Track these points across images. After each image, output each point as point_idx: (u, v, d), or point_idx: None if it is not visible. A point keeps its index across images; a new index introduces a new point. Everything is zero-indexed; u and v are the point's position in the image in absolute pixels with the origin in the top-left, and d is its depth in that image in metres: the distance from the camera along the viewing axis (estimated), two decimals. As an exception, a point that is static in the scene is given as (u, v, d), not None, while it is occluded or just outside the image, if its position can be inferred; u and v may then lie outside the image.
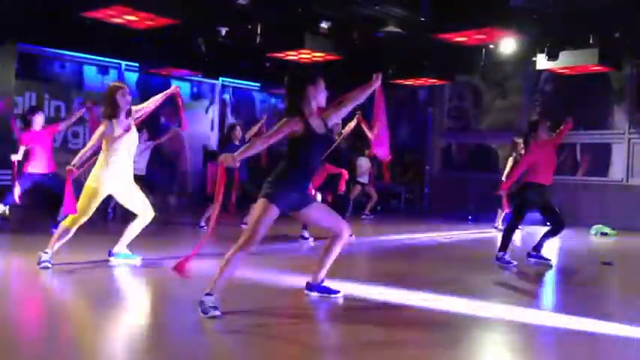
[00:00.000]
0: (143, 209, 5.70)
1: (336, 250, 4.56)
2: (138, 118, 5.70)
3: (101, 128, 5.43)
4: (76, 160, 5.34)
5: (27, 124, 7.58)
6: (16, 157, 7.51)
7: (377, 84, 4.60)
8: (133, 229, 5.75)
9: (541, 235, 6.89)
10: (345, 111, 4.53)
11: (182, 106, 6.18)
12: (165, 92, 5.95)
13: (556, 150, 6.85)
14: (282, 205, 4.16)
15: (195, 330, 3.82)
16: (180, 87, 6.16)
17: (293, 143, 4.20)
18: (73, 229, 5.43)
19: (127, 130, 5.52)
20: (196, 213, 9.22)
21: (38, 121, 7.57)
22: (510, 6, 8.44)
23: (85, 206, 5.37)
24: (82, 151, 5.42)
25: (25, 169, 7.51)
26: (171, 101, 6.15)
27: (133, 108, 5.64)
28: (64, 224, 5.43)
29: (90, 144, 5.42)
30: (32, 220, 8.95)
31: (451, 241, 9.11)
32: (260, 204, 4.14)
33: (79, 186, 5.47)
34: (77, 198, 5.41)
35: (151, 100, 5.88)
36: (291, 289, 5.15)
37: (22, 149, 7.52)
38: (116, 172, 5.48)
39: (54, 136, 7.93)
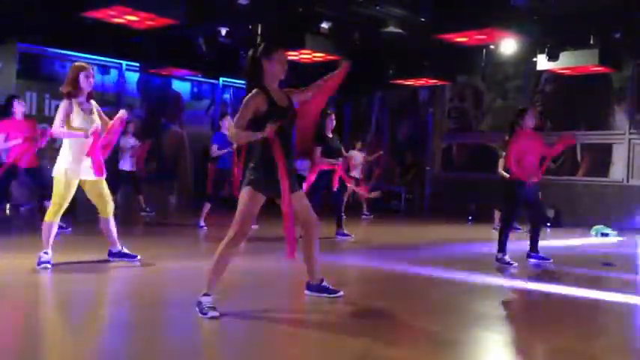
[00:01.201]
0: (103, 205, 5.57)
1: (313, 241, 4.42)
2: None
3: (62, 105, 5.32)
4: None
5: (7, 113, 7.36)
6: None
7: (344, 70, 4.47)
8: (108, 229, 5.67)
9: (529, 235, 6.93)
10: (307, 94, 4.40)
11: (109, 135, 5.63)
12: (115, 118, 5.55)
13: (542, 149, 6.73)
14: (265, 191, 4.07)
15: (194, 331, 3.82)
16: (126, 115, 5.65)
17: (260, 122, 4.02)
18: (56, 222, 5.41)
19: (89, 112, 5.41)
20: (196, 213, 9.21)
21: (18, 109, 7.38)
22: (511, 6, 8.44)
23: (60, 196, 5.31)
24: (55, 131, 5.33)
25: (5, 160, 7.32)
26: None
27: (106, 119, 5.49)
28: (46, 219, 5.40)
29: (56, 124, 5.30)
30: (32, 220, 8.95)
31: (451, 241, 9.10)
32: (244, 193, 4.06)
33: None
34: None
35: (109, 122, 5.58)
36: (290, 288, 5.15)
37: (0, 137, 7.24)
38: (80, 158, 5.34)
39: (36, 129, 7.50)
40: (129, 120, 10.32)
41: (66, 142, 5.41)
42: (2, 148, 7.34)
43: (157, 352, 3.43)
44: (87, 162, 5.40)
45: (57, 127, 5.34)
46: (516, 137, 6.57)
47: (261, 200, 4.10)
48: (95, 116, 5.48)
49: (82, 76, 5.38)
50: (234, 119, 4.15)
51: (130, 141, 10.34)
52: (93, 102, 5.54)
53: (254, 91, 4.10)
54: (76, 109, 5.35)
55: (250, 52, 4.20)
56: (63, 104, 5.35)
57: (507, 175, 7.34)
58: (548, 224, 11.38)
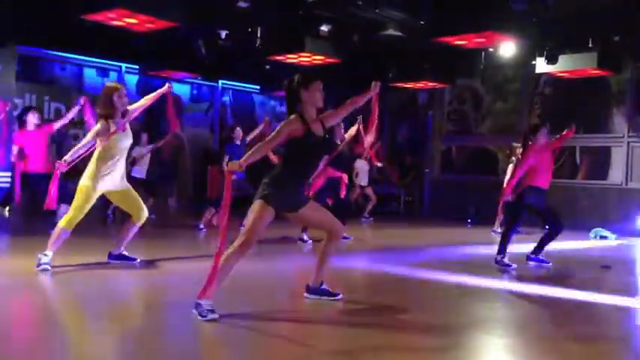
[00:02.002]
0: (137, 210, 5.69)
1: (332, 252, 4.59)
2: (133, 116, 5.70)
3: (96, 127, 5.43)
4: (68, 155, 5.34)
5: (21, 124, 7.53)
6: (13, 158, 7.49)
7: (375, 91, 4.67)
8: (129, 231, 5.75)
9: (540, 238, 6.91)
10: (341, 115, 4.60)
11: (172, 105, 6.16)
12: (158, 91, 5.96)
13: (553, 154, 6.86)
14: (278, 206, 4.19)
15: (193, 333, 3.82)
16: (172, 86, 6.09)
17: (291, 145, 4.24)
18: (70, 230, 5.43)
19: (123, 130, 5.53)
20: (196, 215, 9.22)
21: (31, 120, 7.51)
22: (510, 9, 8.45)
23: (80, 205, 5.37)
24: (76, 148, 5.41)
25: (20, 169, 7.45)
26: (165, 101, 6.14)
27: (129, 108, 5.64)
28: (60, 225, 5.43)
29: (84, 141, 5.41)
30: (32, 222, 8.95)
31: (450, 244, 9.11)
32: (256, 205, 4.16)
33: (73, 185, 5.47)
34: (71, 197, 5.42)
35: (144, 98, 5.90)
36: (290, 291, 5.16)
37: (15, 149, 7.48)
38: (109, 171, 5.46)
39: (49, 135, 7.76)
40: (141, 130, 10.51)
41: (95, 154, 5.49)
42: (16, 160, 7.48)
43: (157, 354, 3.43)
44: (116, 174, 5.50)
45: (83, 141, 5.40)
46: (529, 154, 6.64)
47: (272, 215, 4.19)
48: (129, 132, 5.61)
49: (115, 97, 5.48)
50: (267, 136, 4.30)
51: (144, 150, 10.47)
52: (125, 120, 5.61)
53: (292, 116, 4.27)
54: (112, 129, 5.44)
55: (287, 82, 4.37)
56: (100, 127, 5.42)
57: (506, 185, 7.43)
58: (547, 227, 11.38)
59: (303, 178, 4.42)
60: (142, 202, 5.77)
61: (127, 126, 5.62)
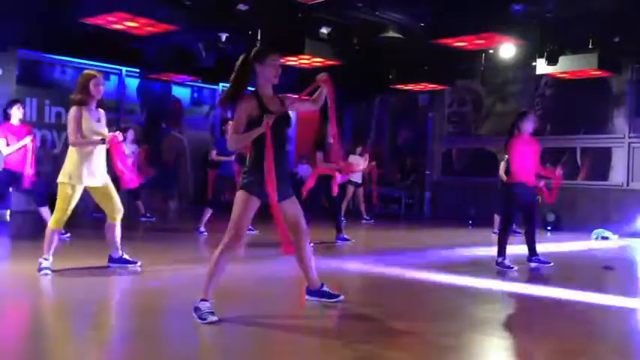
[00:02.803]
0: (112, 210, 5.59)
1: (307, 253, 4.41)
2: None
3: (71, 112, 5.33)
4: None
5: (6, 117, 7.37)
6: None
7: (324, 80, 4.41)
8: (112, 233, 5.65)
9: (525, 239, 6.94)
10: (309, 105, 4.44)
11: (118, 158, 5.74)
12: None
13: (538, 155, 6.83)
14: (259, 194, 4.04)
15: (193, 337, 3.81)
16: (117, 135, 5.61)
17: (252, 126, 4.01)
18: (60, 229, 5.41)
19: (97, 120, 5.45)
20: (196, 218, 9.21)
21: (16, 114, 7.35)
22: (510, 11, 8.45)
23: (63, 203, 5.31)
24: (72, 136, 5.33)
25: (4, 165, 7.32)
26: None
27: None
28: (49, 226, 5.40)
29: (70, 128, 5.31)
30: (32, 225, 8.95)
31: (451, 246, 9.10)
32: (239, 197, 4.05)
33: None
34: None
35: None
36: (290, 294, 5.14)
37: (1, 142, 7.23)
38: (87, 165, 5.36)
39: (31, 134, 7.43)
40: (128, 127, 10.37)
41: (71, 149, 5.41)
42: (4, 153, 7.33)
43: (157, 358, 3.42)
44: (94, 168, 5.41)
45: (74, 138, 5.32)
46: (513, 143, 6.64)
47: (256, 204, 4.08)
48: (103, 124, 5.51)
49: (92, 84, 5.40)
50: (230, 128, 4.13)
51: (131, 147, 10.35)
52: (101, 110, 5.56)
53: (245, 95, 4.06)
54: (85, 115, 5.36)
55: (242, 56, 4.14)
56: (73, 112, 5.35)
57: (505, 178, 7.43)
58: (549, 228, 11.38)
59: (278, 160, 4.05)
60: (119, 202, 5.64)
61: (102, 117, 5.52)
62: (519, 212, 6.84)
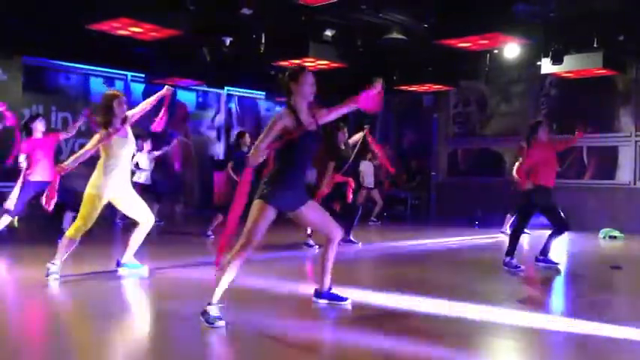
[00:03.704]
0: (143, 216, 5.70)
1: (332, 254, 4.51)
2: (134, 120, 5.71)
3: (97, 136, 5.44)
4: (69, 160, 5.36)
5: (28, 132, 7.53)
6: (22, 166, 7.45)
7: (378, 89, 4.52)
8: (136, 238, 5.75)
9: (546, 238, 6.89)
10: (336, 113, 4.50)
11: (167, 108, 6.12)
12: (158, 94, 5.93)
13: (557, 153, 6.86)
14: (278, 205, 4.12)
15: (200, 341, 3.81)
16: (172, 89, 6.05)
17: (284, 139, 4.13)
18: (78, 239, 5.45)
19: (124, 136, 5.55)
20: (203, 222, 9.23)
21: (38, 128, 7.50)
22: (514, 11, 8.44)
23: (87, 214, 5.38)
24: (78, 154, 5.42)
25: (26, 177, 7.46)
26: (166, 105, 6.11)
27: (128, 113, 5.66)
28: (68, 234, 5.45)
29: (86, 148, 5.43)
30: (40, 231, 8.98)
31: (458, 246, 9.09)
32: (256, 206, 4.10)
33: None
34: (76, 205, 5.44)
35: (144, 102, 5.90)
36: (298, 297, 5.14)
37: (22, 157, 7.47)
38: (114, 178, 5.47)
39: (56, 144, 7.76)
40: (146, 137, 10.50)
41: (98, 163, 5.51)
42: (20, 167, 7.48)
43: (167, 362, 3.43)
44: (119, 179, 5.51)
45: (85, 147, 5.43)
46: (532, 150, 6.66)
47: (272, 214, 4.12)
48: (130, 138, 5.62)
49: (115, 104, 5.51)
50: (259, 137, 4.20)
51: (149, 157, 10.55)
52: (127, 126, 5.62)
53: (282, 110, 4.24)
54: (114, 137, 5.45)
55: (280, 76, 4.35)
56: (99, 134, 5.43)
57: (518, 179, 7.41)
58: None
59: (301, 174, 4.29)
60: (147, 207, 5.77)
61: (129, 132, 5.63)
62: (534, 215, 6.81)
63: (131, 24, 7.96)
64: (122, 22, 7.91)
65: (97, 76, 12.49)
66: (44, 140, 7.53)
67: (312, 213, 4.38)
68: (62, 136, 7.96)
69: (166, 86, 6.01)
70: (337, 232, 4.49)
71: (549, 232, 6.90)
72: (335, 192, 7.94)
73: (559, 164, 7.07)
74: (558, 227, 6.78)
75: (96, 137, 5.47)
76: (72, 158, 5.41)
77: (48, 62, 11.68)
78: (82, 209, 5.41)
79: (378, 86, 4.52)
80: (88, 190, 5.43)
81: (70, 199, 6.98)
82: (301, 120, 4.20)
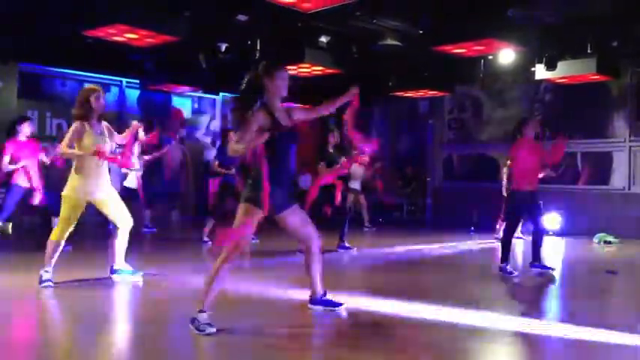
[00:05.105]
0: (123, 221, 5.63)
1: (316, 264, 4.45)
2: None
3: (73, 127, 5.38)
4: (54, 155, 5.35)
5: (14, 133, 7.42)
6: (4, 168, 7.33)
7: (353, 95, 4.49)
8: (120, 243, 5.68)
9: (531, 245, 6.92)
10: (312, 114, 4.46)
11: (132, 141, 6.02)
12: (128, 130, 5.88)
13: (540, 158, 6.81)
14: (262, 207, 4.03)
15: (191, 348, 3.79)
16: (141, 125, 6.02)
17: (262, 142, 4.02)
18: (62, 241, 5.41)
19: (100, 134, 5.49)
20: (199, 228, 9.21)
21: (25, 130, 7.42)
22: (508, 17, 8.48)
23: (67, 216, 5.35)
24: (70, 151, 5.36)
25: (12, 181, 7.37)
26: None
27: (118, 137, 5.63)
28: (51, 238, 5.41)
29: (64, 142, 5.35)
30: (33, 237, 8.94)
31: (454, 252, 9.09)
32: (241, 209, 4.05)
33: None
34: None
35: (117, 136, 5.76)
36: (292, 303, 5.13)
37: (5, 159, 7.32)
38: (91, 178, 5.40)
39: (40, 149, 7.63)
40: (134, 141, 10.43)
41: (76, 162, 5.44)
42: (5, 170, 7.38)
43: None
44: (98, 181, 5.44)
45: (64, 147, 5.35)
46: (517, 146, 6.67)
47: (258, 217, 4.07)
48: (106, 137, 5.55)
49: (92, 98, 5.45)
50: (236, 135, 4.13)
51: (138, 161, 10.48)
52: (104, 123, 5.59)
53: (256, 106, 4.10)
54: (88, 130, 5.40)
55: (251, 71, 4.20)
56: (74, 126, 5.39)
57: (507, 185, 7.44)
58: (550, 233, 11.35)
59: (283, 173, 4.13)
60: (126, 210, 5.68)
61: (105, 130, 5.56)
62: (526, 218, 6.84)
63: (127, 30, 7.96)
64: (118, 29, 7.92)
65: (92, 82, 12.46)
66: (28, 143, 7.46)
67: (295, 218, 4.28)
68: (41, 152, 7.71)
69: (134, 122, 5.98)
70: (317, 244, 4.39)
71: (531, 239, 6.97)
72: (323, 196, 7.90)
73: (554, 170, 7.09)
74: (535, 231, 6.82)
75: (70, 129, 5.38)
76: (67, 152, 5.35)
77: (43, 69, 11.67)
78: (62, 212, 5.37)
79: (354, 92, 4.47)
80: (65, 192, 5.38)
81: (58, 203, 6.96)
82: (276, 118, 4.10)
